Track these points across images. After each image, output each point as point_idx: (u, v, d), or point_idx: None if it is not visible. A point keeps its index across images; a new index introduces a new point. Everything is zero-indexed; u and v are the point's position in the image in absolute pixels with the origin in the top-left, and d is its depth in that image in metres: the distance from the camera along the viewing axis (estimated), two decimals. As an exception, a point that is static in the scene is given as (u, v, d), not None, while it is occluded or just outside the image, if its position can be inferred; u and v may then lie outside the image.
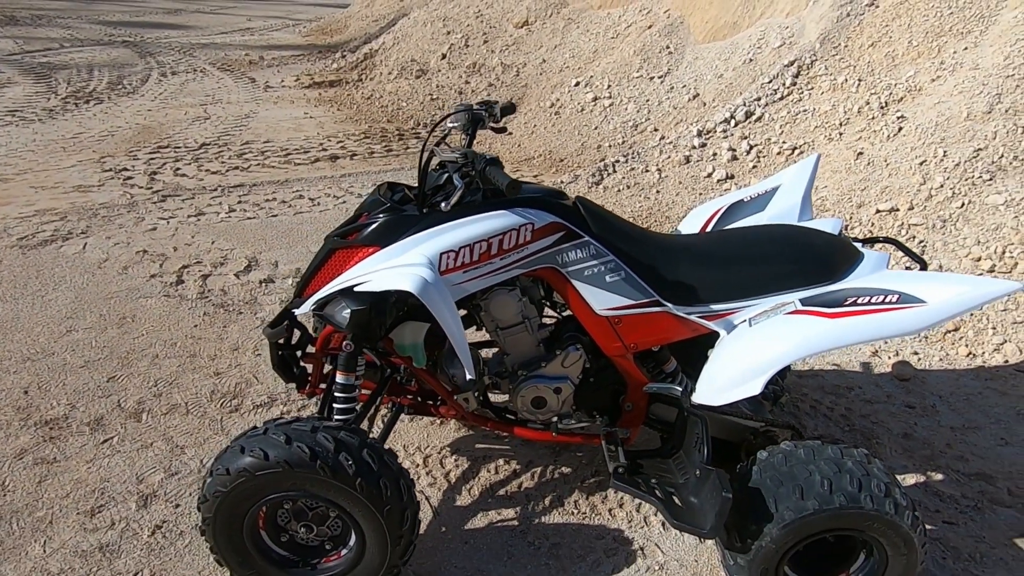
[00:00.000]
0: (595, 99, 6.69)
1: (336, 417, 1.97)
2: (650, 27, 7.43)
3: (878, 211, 4.26)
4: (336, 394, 1.95)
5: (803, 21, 6.20)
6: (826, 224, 2.18)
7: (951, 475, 2.51)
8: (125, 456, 2.41)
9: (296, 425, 1.70)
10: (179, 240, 4.13)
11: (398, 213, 1.87)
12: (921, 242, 4.03)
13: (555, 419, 2.11)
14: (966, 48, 5.01)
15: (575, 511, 2.27)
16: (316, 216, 4.61)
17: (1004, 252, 3.80)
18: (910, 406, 2.89)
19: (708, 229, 2.35)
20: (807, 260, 1.91)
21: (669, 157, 5.29)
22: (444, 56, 8.72)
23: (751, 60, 6.16)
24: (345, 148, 6.22)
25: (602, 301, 1.94)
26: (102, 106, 7.24)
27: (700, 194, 4.94)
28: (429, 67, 8.64)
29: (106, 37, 11.64)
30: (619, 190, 5.09)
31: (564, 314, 2.17)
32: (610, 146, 6.14)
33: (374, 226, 1.86)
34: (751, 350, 1.69)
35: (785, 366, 1.63)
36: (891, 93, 5.02)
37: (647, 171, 5.22)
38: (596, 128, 6.38)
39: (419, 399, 2.28)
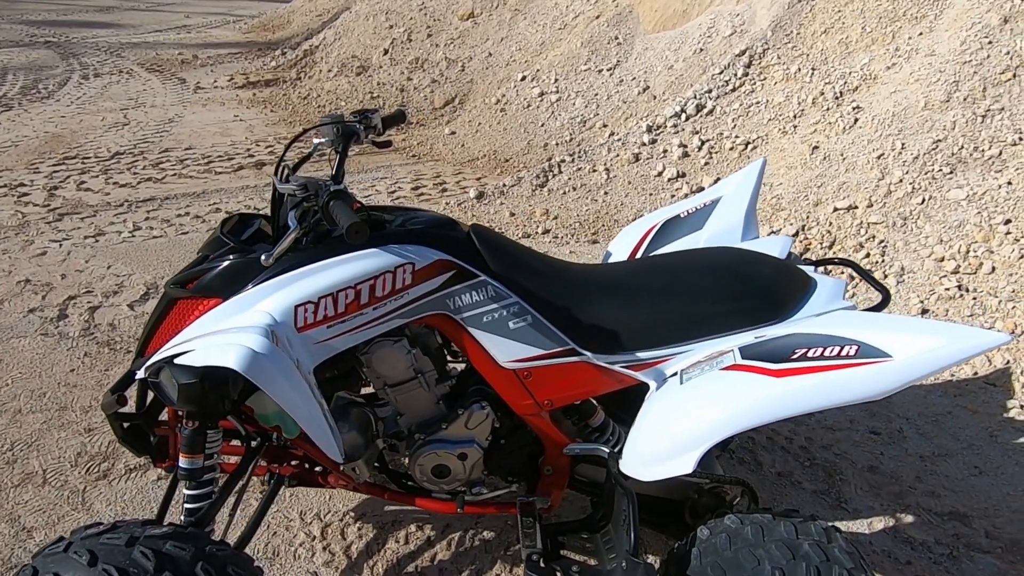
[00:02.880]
0: (542, 94, 6.34)
1: (186, 507, 1.60)
2: (598, 17, 7.10)
3: (835, 209, 4.00)
4: (182, 482, 1.58)
5: (754, 8, 5.93)
6: (773, 245, 1.87)
7: (922, 516, 2.23)
8: (-44, 546, 2.00)
9: (108, 537, 1.33)
10: (70, 266, 3.68)
11: (244, 255, 1.50)
12: (882, 242, 3.77)
13: (463, 488, 1.77)
14: (921, 33, 4.78)
15: (495, 589, 1.93)
16: (231, 232, 4.19)
17: (968, 251, 3.56)
18: (875, 432, 2.61)
19: (639, 252, 2.02)
20: (750, 295, 1.59)
21: (618, 155, 4.97)
22: (386, 52, 8.28)
23: (702, 50, 5.87)
24: (274, 153, 5.78)
25: (506, 352, 1.60)
26: (9, 113, 6.66)
27: (650, 195, 4.63)
28: (371, 63, 8.20)
29: (27, 38, 10.91)
30: (564, 192, 4.76)
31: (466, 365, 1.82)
32: (557, 144, 5.81)
33: (214, 273, 1.49)
34: (680, 417, 1.37)
35: (719, 440, 1.31)
36: (846, 82, 4.77)
37: (595, 171, 4.90)
38: (543, 125, 6.04)
39: (306, 466, 1.92)
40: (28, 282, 3.48)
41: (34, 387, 2.71)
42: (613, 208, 4.59)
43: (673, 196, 4.57)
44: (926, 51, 4.61)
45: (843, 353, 1.28)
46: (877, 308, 1.66)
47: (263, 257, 1.33)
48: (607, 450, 1.67)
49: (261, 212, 1.73)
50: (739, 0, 6.11)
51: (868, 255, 3.74)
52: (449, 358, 1.81)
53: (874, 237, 3.83)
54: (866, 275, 1.74)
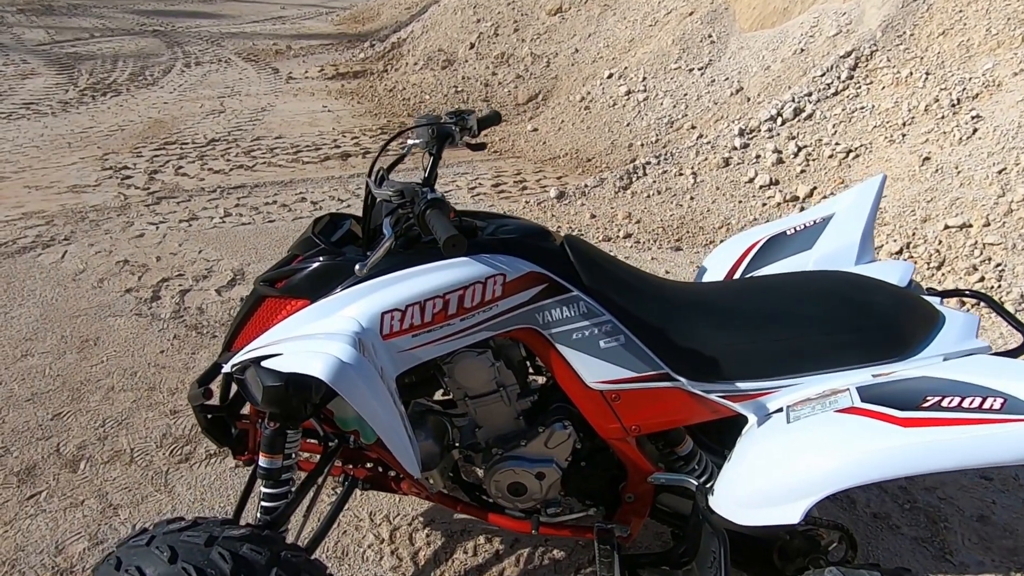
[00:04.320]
0: (628, 93, 6.18)
1: (263, 505, 1.59)
2: (691, 14, 6.86)
3: (947, 227, 3.70)
4: (260, 480, 1.58)
5: (862, 7, 5.57)
6: (892, 270, 1.70)
7: (1042, 578, 2.01)
8: (49, 517, 2.09)
9: (188, 535, 1.33)
10: (165, 248, 3.83)
11: (334, 258, 1.47)
12: (999, 265, 3.46)
13: (538, 508, 1.70)
14: (1055, 37, 4.36)
15: (565, 613, 1.86)
16: (316, 222, 4.26)
17: (1102, 281, 3.21)
18: (986, 477, 2.38)
19: (739, 270, 1.89)
20: (867, 327, 1.44)
21: (706, 159, 4.77)
22: (472, 46, 8.29)
23: (802, 50, 5.57)
24: (359, 145, 5.87)
25: (595, 372, 1.51)
26: (118, 99, 7.04)
27: (739, 202, 4.42)
28: (456, 57, 8.23)
29: (137, 27, 11.55)
30: (648, 195, 4.61)
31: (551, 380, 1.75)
32: (642, 145, 5.65)
33: (303, 274, 1.47)
34: (789, 462, 1.24)
35: (835, 492, 1.19)
36: (965, 89, 4.40)
37: (681, 174, 4.72)
38: (628, 125, 5.88)
39: (380, 469, 1.89)
40: (126, 263, 3.64)
41: (127, 366, 2.82)
42: (699, 215, 4.41)
43: (765, 204, 4.34)
44: (1060, 57, 4.20)
45: (986, 406, 1.13)
46: (1015, 352, 1.48)
47: (357, 267, 1.29)
48: (695, 483, 1.56)
49: (351, 213, 1.70)
50: (846, -2, 5.76)
51: (983, 279, 3.43)
52: (530, 372, 1.74)
53: (990, 259, 3.51)
54: (1004, 312, 1.55)
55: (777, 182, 4.47)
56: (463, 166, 5.49)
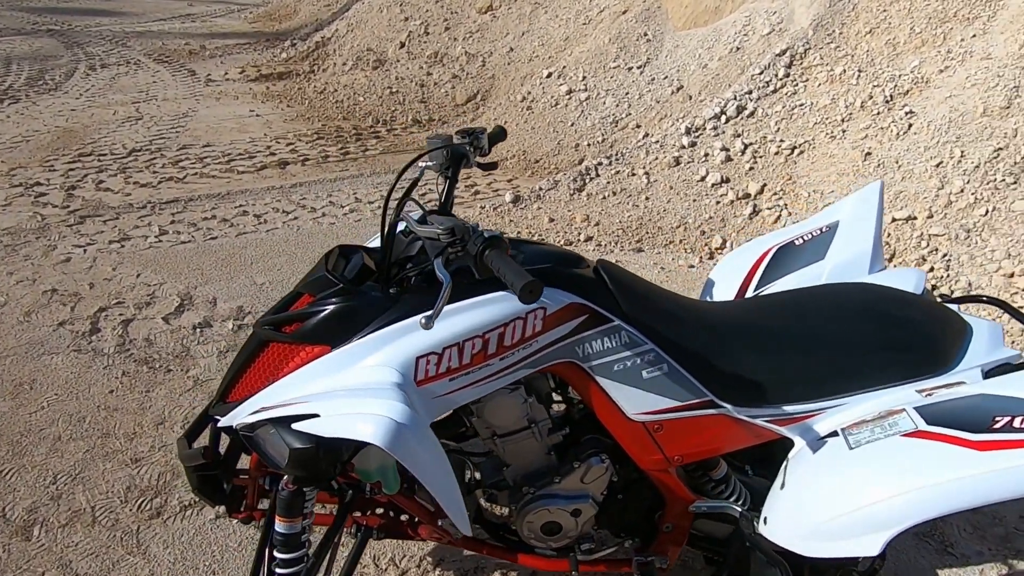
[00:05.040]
0: (570, 92, 6.16)
1: (279, 573, 1.44)
2: (624, 12, 6.90)
3: (894, 220, 3.85)
4: (276, 544, 1.42)
5: (791, 6, 5.75)
6: (907, 278, 1.71)
7: (1036, 563, 2.10)
8: (5, 597, 1.84)
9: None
10: (97, 274, 3.50)
11: (355, 298, 1.33)
12: (945, 255, 3.63)
13: (574, 545, 1.62)
14: (974, 35, 4.62)
15: (596, 649, 1.78)
16: (262, 237, 4.01)
17: (1039, 267, 3.42)
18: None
19: (752, 282, 1.86)
20: (909, 344, 1.44)
21: (657, 158, 4.80)
22: (403, 45, 8.07)
23: (738, 49, 5.70)
24: (296, 152, 5.59)
25: (638, 404, 1.44)
26: (17, 106, 6.44)
27: (694, 200, 4.47)
28: (387, 57, 7.98)
29: (29, 25, 10.63)
30: (604, 196, 4.59)
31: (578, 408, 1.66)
32: (589, 145, 5.64)
33: (321, 317, 1.32)
34: (860, 490, 1.21)
35: (916, 524, 1.16)
36: (896, 85, 4.61)
37: (633, 174, 4.73)
38: (573, 124, 5.86)
39: (391, 514, 1.76)
40: (55, 292, 3.30)
41: (72, 411, 2.54)
42: (656, 214, 4.43)
43: (718, 203, 4.41)
44: (981, 54, 4.45)
45: (1058, 424, 1.13)
46: (1040, 357, 1.51)
47: (422, 321, 1.15)
48: (739, 509, 1.52)
49: (360, 244, 1.56)
50: (775, -3, 5.93)
51: (932, 269, 3.59)
52: (556, 404, 1.66)
53: (936, 250, 3.68)
54: (1019, 315, 1.59)
55: (728, 180, 4.55)
56: (409, 171, 5.30)
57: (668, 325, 1.43)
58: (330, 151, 5.66)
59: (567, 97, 6.15)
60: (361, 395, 1.18)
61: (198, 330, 3.06)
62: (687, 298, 1.58)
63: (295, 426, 1.17)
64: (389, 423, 1.09)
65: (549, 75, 6.46)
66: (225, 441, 1.64)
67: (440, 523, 1.60)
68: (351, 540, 1.73)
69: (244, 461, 1.66)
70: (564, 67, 6.48)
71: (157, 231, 3.99)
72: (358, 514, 1.74)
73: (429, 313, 1.13)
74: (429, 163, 1.55)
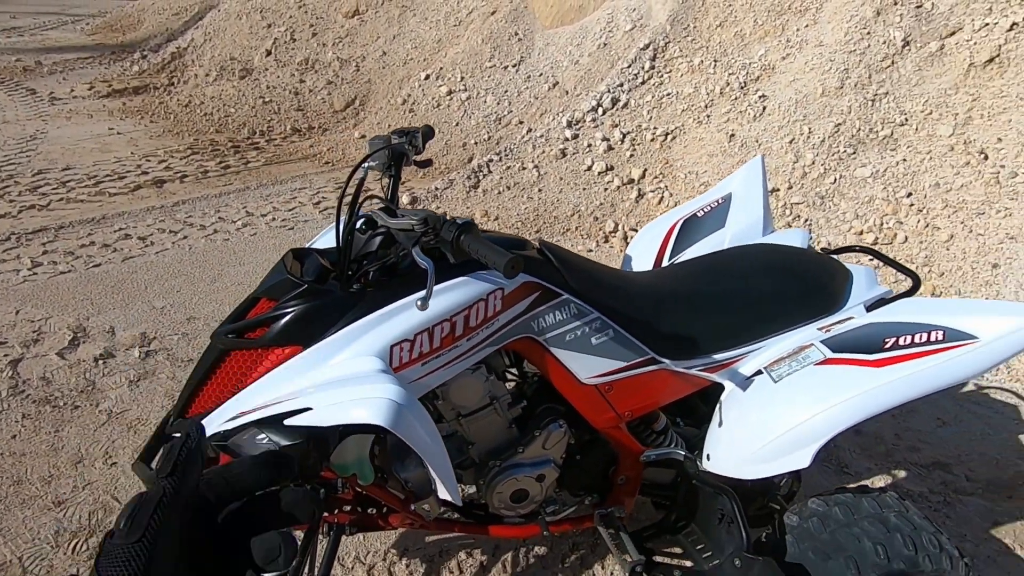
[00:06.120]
0: (450, 93, 6.27)
1: (264, 576, 1.45)
2: (494, 13, 7.10)
3: (760, 193, 4.28)
4: (262, 548, 1.43)
5: (648, 3, 6.18)
6: (795, 237, 1.98)
7: (912, 469, 2.47)
8: (-63, 665, 1.70)
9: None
10: (-32, 315, 3.19)
11: (322, 297, 1.37)
12: (807, 221, 4.10)
13: (540, 510, 1.74)
14: (807, 25, 5.21)
15: (565, 604, 1.92)
16: (152, 260, 3.81)
17: (882, 224, 3.95)
18: (848, 398, 2.85)
19: (667, 252, 2.07)
20: (809, 289, 1.68)
21: (544, 152, 5.02)
22: (269, 52, 7.81)
23: (605, 44, 6.05)
24: (171, 169, 5.30)
25: (589, 368, 1.58)
26: None
27: (583, 189, 4.73)
28: (253, 66, 7.70)
29: None
30: (499, 192, 4.75)
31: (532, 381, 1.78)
32: (476, 143, 5.77)
33: (290, 318, 1.36)
34: (788, 413, 1.42)
35: (838, 434, 1.39)
36: (747, 73, 5.10)
37: (524, 169, 4.92)
38: (457, 124, 5.97)
39: (359, 509, 1.80)
40: (-80, 339, 2.98)
41: (-29, 462, 2.33)
42: (550, 205, 4.64)
43: (606, 189, 4.69)
44: (815, 42, 5.03)
45: (933, 339, 1.39)
46: (909, 293, 1.81)
47: (418, 303, 1.21)
48: (683, 453, 1.71)
49: (310, 247, 1.59)
50: (633, -5, 6.34)
51: (797, 234, 4.04)
52: (512, 379, 1.77)
53: (799, 216, 4.15)
54: (892, 262, 1.89)
55: (612, 167, 4.84)
56: (298, 181, 5.20)
57: (610, 295, 1.59)
58: (208, 166, 5.41)
59: (448, 98, 6.25)
60: (350, 383, 1.23)
61: (100, 362, 2.89)
62: (621, 270, 1.74)
63: (289, 422, 1.21)
64: (388, 403, 1.16)
65: (427, 77, 6.53)
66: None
67: (413, 507, 1.67)
68: (324, 540, 1.75)
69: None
70: (441, 68, 6.58)
71: (29, 263, 3.68)
72: (327, 515, 1.76)
73: (423, 295, 1.21)
74: (372, 164, 1.60)
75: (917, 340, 1.40)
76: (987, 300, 1.44)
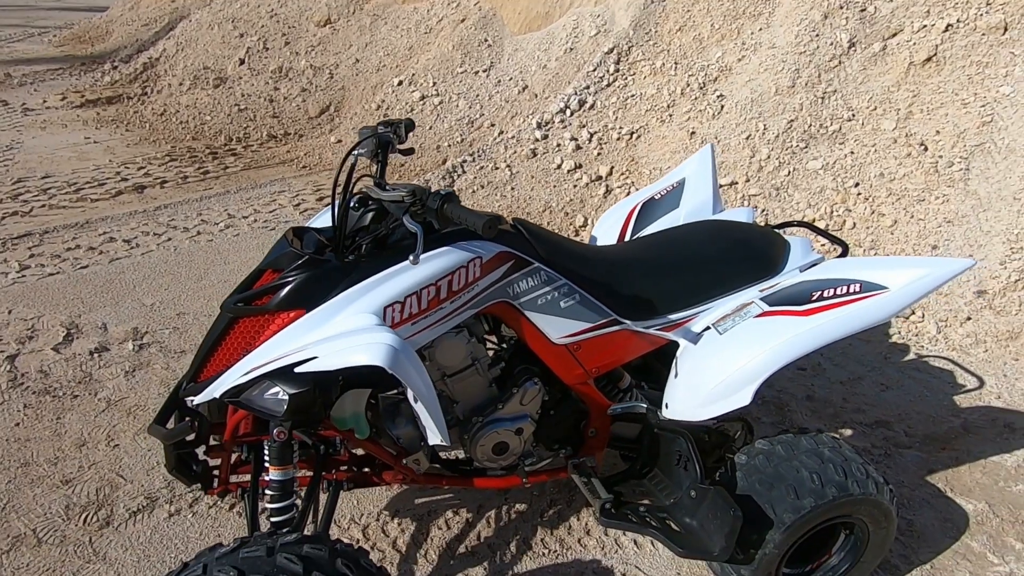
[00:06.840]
0: (423, 98, 6.46)
1: (273, 521, 1.63)
2: (463, 20, 7.32)
3: (720, 186, 4.54)
4: (270, 493, 1.61)
5: (612, 9, 6.44)
6: (741, 215, 2.21)
7: (857, 428, 2.71)
8: (-36, 624, 1.83)
9: (246, 552, 1.35)
10: (-40, 316, 3.28)
11: (323, 265, 1.56)
12: (763, 211, 4.36)
13: (519, 462, 1.93)
14: (760, 29, 5.50)
15: (544, 550, 2.11)
16: (139, 261, 3.92)
17: (832, 212, 4.23)
18: (801, 369, 3.09)
19: (628, 230, 2.28)
20: (751, 256, 1.90)
21: (515, 152, 5.23)
22: (242, 61, 7.93)
23: (571, 49, 6.29)
24: (150, 175, 5.40)
25: (559, 329, 1.78)
26: None
27: (554, 187, 4.95)
28: (227, 74, 7.81)
29: None
30: (474, 191, 4.94)
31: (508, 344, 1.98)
32: (449, 145, 5.97)
33: (293, 285, 1.53)
34: (731, 360, 1.64)
35: (772, 372, 1.60)
36: (706, 74, 5.38)
37: (497, 168, 5.12)
38: (431, 128, 6.16)
39: (354, 468, 1.98)
40: (-84, 339, 3.07)
41: (-22, 448, 2.45)
42: (523, 202, 4.85)
43: (575, 186, 4.91)
44: (768, 44, 5.32)
45: (850, 291, 1.62)
46: (841, 257, 2.04)
47: (411, 259, 1.40)
48: (646, 405, 1.92)
49: (308, 227, 1.76)
50: (597, 1, 6.61)
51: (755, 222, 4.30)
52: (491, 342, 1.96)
53: (756, 207, 4.41)
54: (824, 232, 2.13)
55: (581, 166, 5.07)
56: (277, 184, 5.34)
57: (576, 263, 1.79)
58: (187, 172, 5.53)
59: (421, 103, 6.44)
60: (352, 334, 1.42)
61: (96, 355, 3.01)
62: (585, 243, 1.95)
63: (296, 370, 1.38)
64: (387, 347, 1.34)
65: (400, 83, 6.72)
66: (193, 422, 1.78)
67: (404, 462, 1.85)
68: (324, 496, 1.92)
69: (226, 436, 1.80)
70: (414, 74, 6.77)
71: (17, 267, 3.77)
72: (326, 473, 1.94)
73: (415, 253, 1.40)
74: (361, 151, 1.79)
75: (838, 292, 1.63)
76: (896, 256, 1.67)
